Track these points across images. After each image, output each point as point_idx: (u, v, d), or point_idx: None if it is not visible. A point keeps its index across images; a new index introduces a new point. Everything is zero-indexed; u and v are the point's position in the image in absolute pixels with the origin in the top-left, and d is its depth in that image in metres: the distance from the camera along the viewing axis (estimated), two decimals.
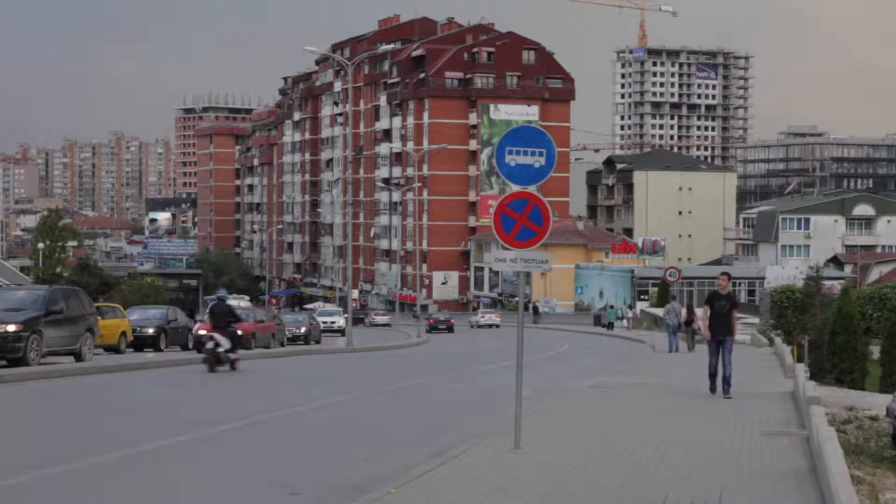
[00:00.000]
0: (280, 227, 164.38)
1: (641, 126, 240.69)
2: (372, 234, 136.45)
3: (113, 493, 10.30)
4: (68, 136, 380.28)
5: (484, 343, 53.74)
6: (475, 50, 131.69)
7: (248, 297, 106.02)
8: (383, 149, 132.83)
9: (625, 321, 76.48)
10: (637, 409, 17.80)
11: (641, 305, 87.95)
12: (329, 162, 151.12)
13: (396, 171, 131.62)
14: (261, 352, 38.74)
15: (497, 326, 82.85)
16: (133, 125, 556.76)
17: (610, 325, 74.04)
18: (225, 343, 26.39)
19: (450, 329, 76.20)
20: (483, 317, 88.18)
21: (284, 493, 10.29)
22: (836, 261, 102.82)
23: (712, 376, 19.56)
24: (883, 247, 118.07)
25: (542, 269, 13.15)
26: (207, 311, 29.57)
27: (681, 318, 42.16)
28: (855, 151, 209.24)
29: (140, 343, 35.78)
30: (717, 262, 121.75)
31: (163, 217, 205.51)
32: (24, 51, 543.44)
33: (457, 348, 48.19)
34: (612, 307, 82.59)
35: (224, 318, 27.01)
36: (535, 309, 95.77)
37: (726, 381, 19.09)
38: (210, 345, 26.47)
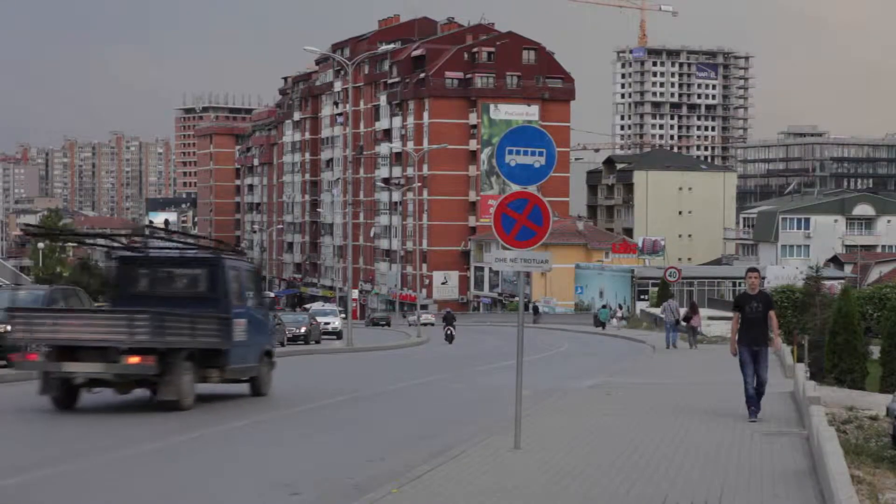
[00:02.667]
0: (280, 227, 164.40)
1: (641, 126, 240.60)
2: (372, 234, 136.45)
3: (113, 493, 10.30)
4: (68, 136, 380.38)
5: (484, 343, 53.75)
6: (475, 50, 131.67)
7: (271, 294, 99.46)
8: (383, 149, 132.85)
9: (613, 320, 77.06)
10: (637, 409, 17.79)
11: (641, 305, 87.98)
12: (329, 162, 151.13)
13: (396, 171, 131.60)
14: None
15: (432, 325, 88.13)
16: (133, 125, 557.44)
17: (603, 325, 75.04)
18: (454, 332, 54.16)
19: (388, 324, 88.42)
20: (420, 316, 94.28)
21: (285, 493, 10.30)
22: (836, 261, 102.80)
23: (750, 399, 15.84)
24: (883, 247, 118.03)
25: (542, 269, 13.16)
26: (443, 317, 59.91)
27: (677, 315, 42.42)
28: (855, 151, 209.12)
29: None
30: (717, 262, 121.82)
31: (158, 221, 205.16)
32: (24, 51, 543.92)
33: (456, 348, 48.19)
34: (604, 307, 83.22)
35: (451, 320, 56.13)
36: (535, 309, 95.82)
37: (760, 396, 15.96)
38: (448, 332, 53.95)
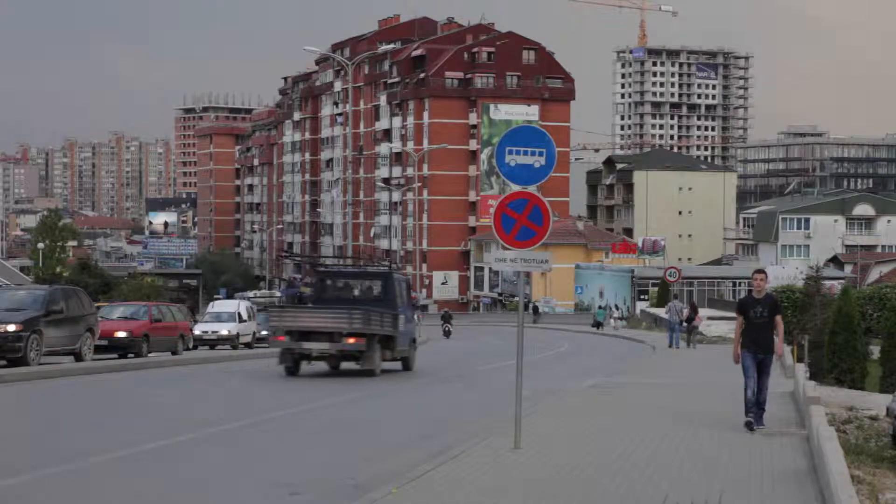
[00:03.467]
0: (280, 227, 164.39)
1: (641, 126, 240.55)
2: (372, 234, 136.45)
3: (113, 493, 10.30)
4: (68, 136, 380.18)
5: (484, 343, 53.71)
6: (475, 50, 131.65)
7: (277, 294, 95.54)
8: (383, 149, 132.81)
9: (610, 320, 77.71)
10: (637, 409, 17.79)
11: (641, 305, 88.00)
12: (329, 162, 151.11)
13: (396, 171, 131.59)
14: (260, 352, 38.74)
15: None
16: (133, 125, 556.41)
17: (599, 325, 75.74)
18: (451, 328, 59.03)
19: None
20: None
21: (285, 493, 10.29)
22: (836, 261, 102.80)
23: (749, 405, 14.68)
24: (883, 247, 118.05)
25: (542, 269, 13.16)
26: (441, 315, 64.15)
27: (682, 316, 42.86)
28: (855, 151, 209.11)
29: None
30: (718, 262, 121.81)
31: (157, 222, 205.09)
32: (24, 51, 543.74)
33: (457, 347, 48.19)
34: (601, 308, 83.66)
35: (448, 318, 60.28)
36: (535, 309, 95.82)
37: (761, 406, 14.84)
38: (446, 328, 57.09)
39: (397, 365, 27.13)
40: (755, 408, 14.70)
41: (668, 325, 44.90)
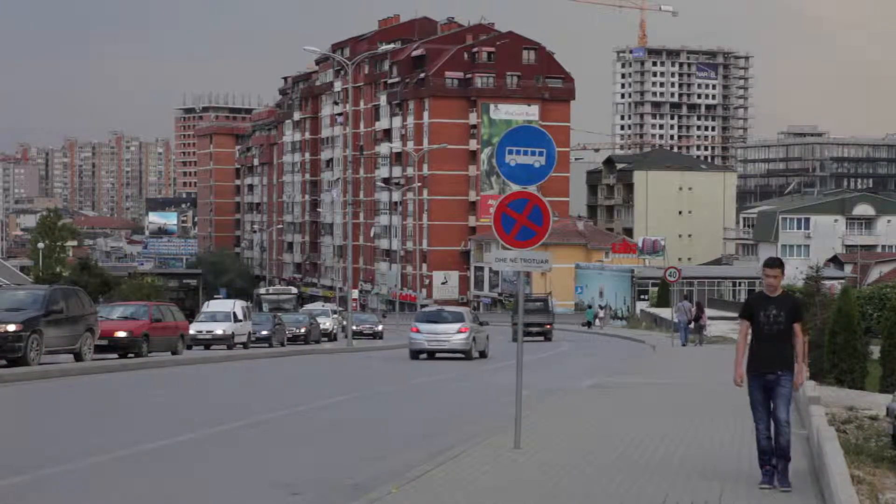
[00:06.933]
0: (280, 227, 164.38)
1: (641, 126, 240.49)
2: (372, 234, 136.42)
3: (113, 493, 10.30)
4: (68, 136, 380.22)
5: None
6: (475, 50, 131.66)
7: (293, 290, 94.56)
8: (383, 149, 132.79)
9: (597, 320, 78.73)
10: (637, 408, 17.80)
11: (641, 305, 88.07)
12: (329, 162, 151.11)
13: (396, 171, 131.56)
14: (260, 351, 38.74)
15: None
16: (133, 125, 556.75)
17: (589, 324, 77.49)
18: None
19: None
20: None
21: (285, 493, 10.29)
22: (836, 261, 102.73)
23: (764, 453, 10.53)
24: (883, 247, 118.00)
25: (542, 269, 13.17)
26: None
27: (690, 316, 43.88)
28: (855, 151, 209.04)
29: None
30: (718, 262, 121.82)
31: (164, 221, 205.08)
32: (24, 51, 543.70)
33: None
34: (589, 307, 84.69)
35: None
36: None
37: (782, 453, 10.47)
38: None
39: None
40: (777, 457, 10.52)
41: (679, 326, 45.75)
